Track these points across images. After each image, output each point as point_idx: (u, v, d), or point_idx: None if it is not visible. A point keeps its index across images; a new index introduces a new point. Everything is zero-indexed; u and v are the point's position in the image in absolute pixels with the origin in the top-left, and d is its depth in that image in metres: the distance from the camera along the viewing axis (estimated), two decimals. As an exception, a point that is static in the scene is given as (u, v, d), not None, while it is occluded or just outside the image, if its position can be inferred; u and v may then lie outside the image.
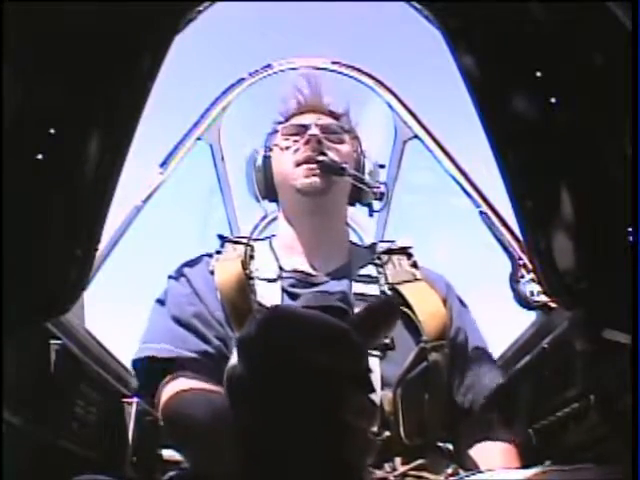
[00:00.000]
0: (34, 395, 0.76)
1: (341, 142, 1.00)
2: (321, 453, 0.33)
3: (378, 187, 1.03)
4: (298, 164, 0.95)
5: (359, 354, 0.33)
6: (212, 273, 0.90)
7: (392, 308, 0.38)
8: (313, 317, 0.33)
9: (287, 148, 0.99)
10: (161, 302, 0.88)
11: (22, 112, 0.58)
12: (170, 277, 0.92)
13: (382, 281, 0.94)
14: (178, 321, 0.84)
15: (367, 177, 1.03)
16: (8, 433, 0.64)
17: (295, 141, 0.99)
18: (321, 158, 0.94)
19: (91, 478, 0.57)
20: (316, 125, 0.98)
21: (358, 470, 0.34)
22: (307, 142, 0.95)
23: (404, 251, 1.01)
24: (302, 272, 0.93)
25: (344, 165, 0.95)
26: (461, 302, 0.98)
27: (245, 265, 0.91)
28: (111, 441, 1.03)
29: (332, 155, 0.95)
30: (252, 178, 1.07)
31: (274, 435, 0.33)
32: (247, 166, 1.09)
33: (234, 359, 0.35)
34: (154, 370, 0.81)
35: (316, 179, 0.93)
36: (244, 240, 0.99)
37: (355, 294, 0.89)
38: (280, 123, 1.06)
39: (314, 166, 0.94)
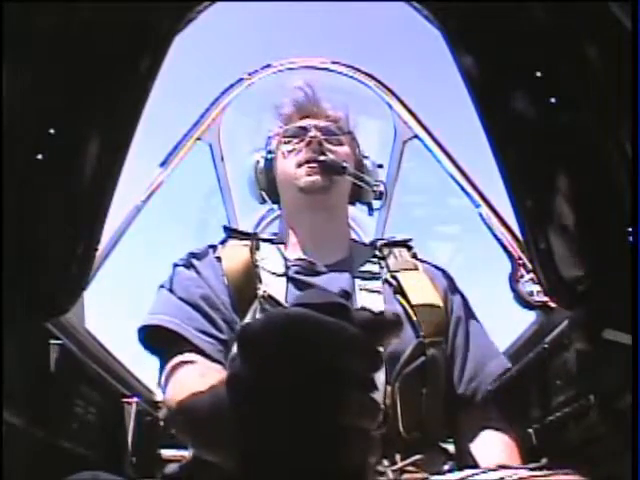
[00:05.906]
0: (34, 395, 0.76)
1: (340, 144, 1.02)
2: (323, 453, 0.32)
3: (378, 186, 1.05)
4: (300, 165, 0.97)
5: (365, 355, 0.33)
6: (219, 260, 0.91)
7: (396, 324, 0.37)
8: (318, 318, 0.33)
9: (289, 152, 1.01)
10: (166, 287, 0.88)
11: (22, 112, 0.58)
12: (176, 265, 0.92)
13: (384, 270, 0.95)
14: (186, 302, 0.84)
15: (366, 176, 1.04)
16: (8, 433, 0.64)
17: (296, 143, 1.01)
18: (322, 158, 0.96)
19: (91, 475, 0.57)
20: (315, 127, 1.00)
21: (361, 470, 0.34)
22: (308, 144, 0.98)
23: (404, 244, 1.03)
24: (306, 260, 0.95)
25: (345, 164, 0.97)
26: (461, 294, 0.99)
27: (252, 252, 0.92)
28: (111, 441, 1.03)
29: (332, 156, 0.97)
30: (254, 181, 1.09)
31: (275, 434, 0.33)
32: (249, 170, 1.10)
33: (235, 350, 0.35)
34: (160, 340, 0.81)
35: (318, 177, 0.95)
36: (249, 232, 1.01)
37: (358, 284, 0.90)
38: (280, 127, 1.08)
39: (315, 165, 0.96)
